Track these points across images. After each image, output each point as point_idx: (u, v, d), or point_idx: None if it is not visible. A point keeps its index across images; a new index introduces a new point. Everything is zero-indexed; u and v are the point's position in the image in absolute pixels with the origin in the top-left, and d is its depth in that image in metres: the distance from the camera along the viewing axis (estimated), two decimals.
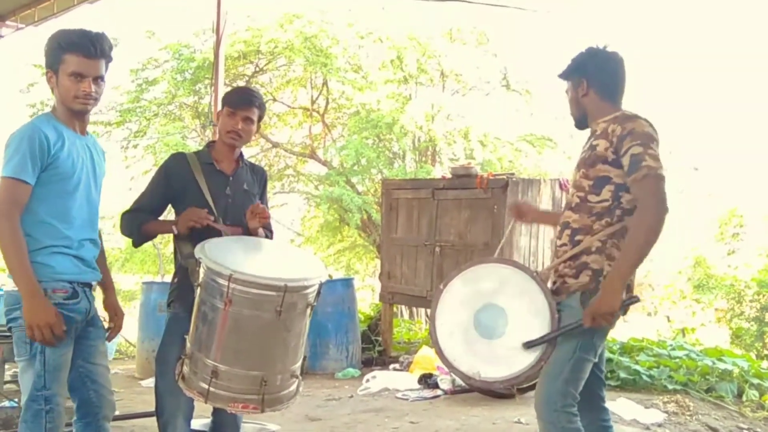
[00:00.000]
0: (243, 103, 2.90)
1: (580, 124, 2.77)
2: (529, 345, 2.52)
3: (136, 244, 3.02)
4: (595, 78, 2.66)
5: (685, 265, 12.89)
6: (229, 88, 4.68)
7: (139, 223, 2.88)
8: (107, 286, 2.83)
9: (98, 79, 2.50)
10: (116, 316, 2.82)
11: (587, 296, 2.52)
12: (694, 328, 10.47)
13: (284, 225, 13.20)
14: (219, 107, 3.07)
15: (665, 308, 12.74)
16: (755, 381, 5.55)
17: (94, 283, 2.66)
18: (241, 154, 3.03)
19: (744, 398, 5.33)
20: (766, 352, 10.48)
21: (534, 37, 12.14)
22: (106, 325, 2.78)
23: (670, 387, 5.39)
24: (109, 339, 2.79)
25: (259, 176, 3.09)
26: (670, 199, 2.46)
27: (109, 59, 2.54)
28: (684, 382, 5.44)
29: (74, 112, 2.52)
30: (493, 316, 2.56)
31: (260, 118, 2.97)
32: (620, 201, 2.53)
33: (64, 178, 2.48)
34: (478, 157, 10.06)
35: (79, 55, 2.44)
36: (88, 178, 2.57)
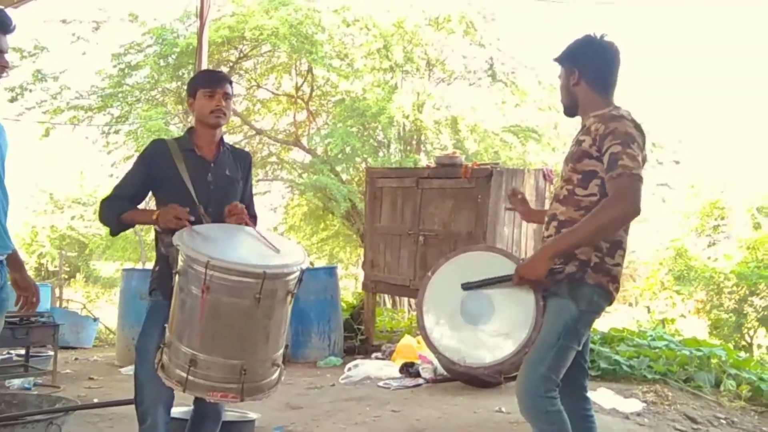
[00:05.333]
0: (218, 80, 2.95)
1: (569, 111, 2.73)
2: (466, 287, 2.59)
3: (114, 232, 2.96)
4: (588, 68, 2.62)
5: (666, 256, 13.01)
6: None
7: (118, 212, 2.82)
8: (15, 263, 2.66)
9: None
10: (26, 291, 2.67)
11: (574, 285, 2.52)
12: (673, 318, 10.62)
13: (269, 208, 13.13)
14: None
15: (645, 299, 12.88)
16: (733, 371, 5.62)
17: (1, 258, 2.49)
18: (221, 139, 3.01)
19: (722, 388, 5.40)
20: (743, 343, 10.65)
21: (521, 28, 12.12)
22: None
23: (650, 377, 5.45)
24: (25, 311, 2.71)
25: (242, 160, 3.06)
26: (645, 199, 2.43)
27: None
28: (663, 372, 5.49)
29: None
30: (478, 303, 2.57)
31: (232, 95, 3.04)
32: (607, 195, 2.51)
33: None
34: (464, 146, 10.05)
35: None
36: None
